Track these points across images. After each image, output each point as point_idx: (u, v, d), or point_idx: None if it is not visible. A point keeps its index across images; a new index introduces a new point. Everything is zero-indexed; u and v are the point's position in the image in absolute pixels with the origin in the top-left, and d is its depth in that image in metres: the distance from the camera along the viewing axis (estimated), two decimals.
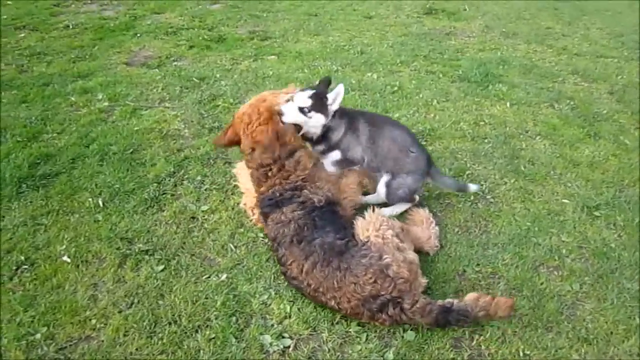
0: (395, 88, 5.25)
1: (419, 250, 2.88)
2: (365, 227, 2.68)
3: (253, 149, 2.92)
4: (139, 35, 6.28)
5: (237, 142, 3.03)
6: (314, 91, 3.01)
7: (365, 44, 6.57)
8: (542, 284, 2.91)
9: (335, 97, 3.02)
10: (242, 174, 3.28)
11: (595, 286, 2.92)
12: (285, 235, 2.70)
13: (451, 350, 2.46)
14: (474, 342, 2.53)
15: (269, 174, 2.91)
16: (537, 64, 6.26)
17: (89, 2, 7.53)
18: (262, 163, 2.91)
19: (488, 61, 6.15)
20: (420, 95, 5.13)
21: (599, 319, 2.71)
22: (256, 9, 7.73)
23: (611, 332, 2.64)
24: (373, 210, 2.80)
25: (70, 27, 6.40)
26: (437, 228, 3.14)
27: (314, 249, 2.59)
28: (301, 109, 2.94)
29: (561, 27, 7.88)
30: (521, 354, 2.48)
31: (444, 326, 2.49)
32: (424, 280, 2.64)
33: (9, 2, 7.18)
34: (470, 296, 2.53)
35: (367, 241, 2.60)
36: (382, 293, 2.43)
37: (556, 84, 5.69)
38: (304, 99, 2.95)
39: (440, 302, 2.49)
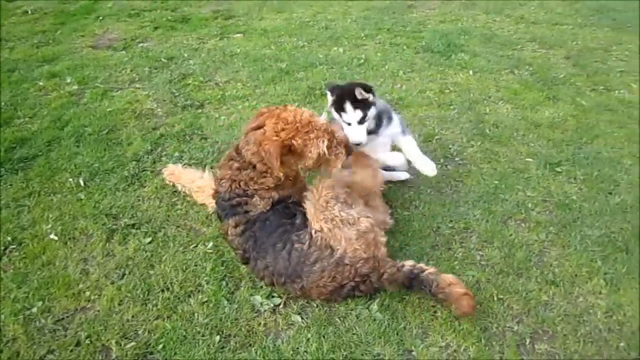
0: (362, 61, 5.37)
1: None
2: (314, 212, 2.58)
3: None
4: (101, 18, 6.21)
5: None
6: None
7: (329, 20, 6.65)
8: (511, 235, 3.10)
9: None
10: (181, 175, 3.26)
11: (559, 235, 3.13)
12: (236, 250, 2.69)
13: (431, 298, 2.63)
14: None
15: (233, 165, 2.71)
16: (497, 33, 6.46)
17: None
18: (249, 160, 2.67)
19: (449, 32, 6.32)
20: (387, 67, 5.26)
21: (564, 264, 2.92)
22: None
23: (576, 275, 2.85)
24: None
25: (29, 12, 6.30)
26: (377, 162, 3.07)
27: (262, 272, 2.59)
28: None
29: None
30: (495, 298, 2.67)
31: (406, 289, 2.56)
32: (383, 239, 2.62)
33: None
34: (445, 277, 2.50)
35: (315, 233, 2.53)
36: (346, 282, 2.48)
37: (515, 51, 5.90)
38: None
39: (408, 267, 2.51)
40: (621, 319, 2.61)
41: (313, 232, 2.53)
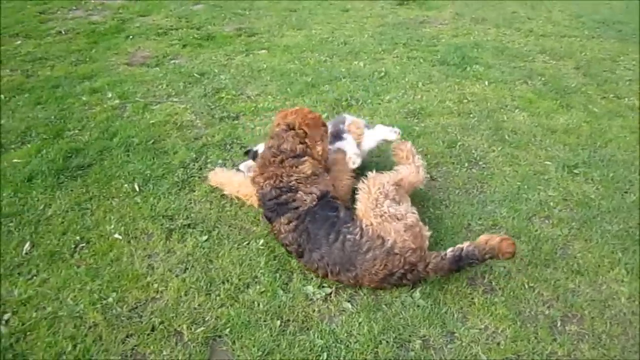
0: (382, 74, 5.66)
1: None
2: (365, 208, 2.88)
3: (291, 128, 3.10)
4: (131, 37, 6.53)
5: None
6: None
7: (347, 35, 6.96)
8: (536, 230, 3.35)
9: None
10: (224, 179, 3.53)
11: (581, 230, 3.38)
12: (289, 246, 2.94)
13: (467, 287, 2.88)
14: (486, 279, 2.95)
15: (275, 160, 3.04)
16: (508, 45, 6.76)
17: (74, 8, 7.71)
18: (287, 148, 3.05)
19: (463, 45, 6.62)
20: (406, 79, 5.55)
21: (587, 256, 3.17)
22: (238, 7, 8.03)
23: (599, 265, 3.10)
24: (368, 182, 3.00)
25: (63, 32, 6.60)
26: (421, 160, 3.32)
27: (316, 263, 2.81)
28: None
29: (526, 11, 8.42)
30: (526, 286, 2.92)
31: (457, 272, 2.85)
32: (427, 234, 2.91)
33: None
34: (480, 238, 2.80)
35: (366, 227, 2.81)
36: (396, 270, 2.73)
37: (527, 62, 6.19)
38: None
39: (450, 252, 2.78)
40: None
41: (364, 225, 2.80)
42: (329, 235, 2.81)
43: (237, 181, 3.49)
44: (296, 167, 3.03)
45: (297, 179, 2.99)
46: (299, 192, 2.97)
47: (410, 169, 3.23)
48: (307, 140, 3.13)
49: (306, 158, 3.08)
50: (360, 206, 2.93)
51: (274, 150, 3.07)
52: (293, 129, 3.13)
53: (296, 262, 3.00)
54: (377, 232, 2.76)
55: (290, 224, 2.90)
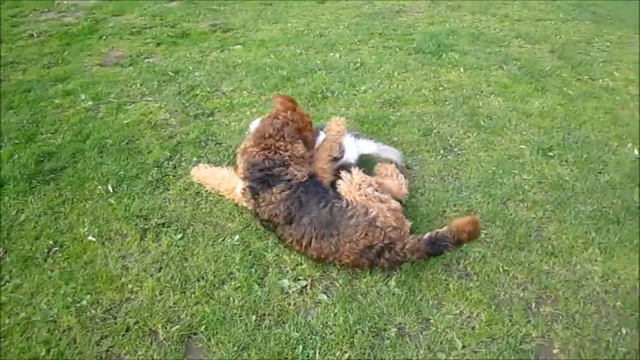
0: (358, 64, 5.65)
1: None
2: (348, 189, 3.02)
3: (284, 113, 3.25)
4: (104, 37, 6.45)
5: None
6: None
7: (323, 28, 6.93)
8: (511, 214, 3.37)
9: None
10: (207, 174, 3.56)
11: (555, 212, 3.41)
12: (278, 216, 2.97)
13: (443, 273, 2.90)
14: (461, 265, 2.97)
15: (276, 134, 3.16)
16: (484, 31, 6.78)
17: (47, 10, 7.60)
18: (287, 131, 3.18)
19: (438, 33, 6.62)
20: (382, 69, 5.54)
21: (561, 237, 3.20)
22: (212, 3, 7.96)
23: (572, 246, 3.13)
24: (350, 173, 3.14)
25: (35, 35, 6.50)
26: (405, 179, 3.44)
27: (304, 228, 2.89)
28: None
29: None
30: (501, 270, 2.94)
31: (435, 255, 2.84)
32: (408, 223, 2.97)
33: None
34: (452, 224, 2.74)
35: (352, 200, 2.93)
36: (375, 242, 2.77)
37: (503, 48, 6.21)
38: None
39: (427, 236, 2.77)
40: (616, 281, 2.89)
41: (349, 200, 2.93)
42: (319, 203, 2.92)
43: (220, 176, 3.50)
44: (292, 144, 3.18)
45: (290, 156, 3.11)
46: (290, 167, 3.08)
47: (394, 183, 3.34)
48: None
49: (300, 142, 3.24)
50: (343, 187, 3.06)
51: (278, 126, 3.19)
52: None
53: (271, 257, 3.00)
54: (362, 204, 2.87)
55: (283, 193, 2.97)
